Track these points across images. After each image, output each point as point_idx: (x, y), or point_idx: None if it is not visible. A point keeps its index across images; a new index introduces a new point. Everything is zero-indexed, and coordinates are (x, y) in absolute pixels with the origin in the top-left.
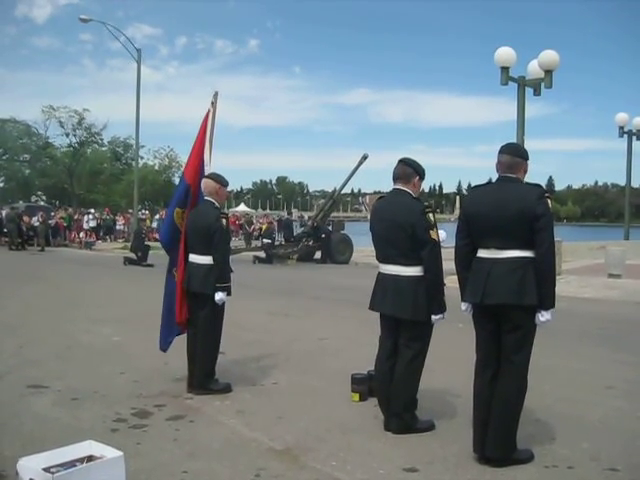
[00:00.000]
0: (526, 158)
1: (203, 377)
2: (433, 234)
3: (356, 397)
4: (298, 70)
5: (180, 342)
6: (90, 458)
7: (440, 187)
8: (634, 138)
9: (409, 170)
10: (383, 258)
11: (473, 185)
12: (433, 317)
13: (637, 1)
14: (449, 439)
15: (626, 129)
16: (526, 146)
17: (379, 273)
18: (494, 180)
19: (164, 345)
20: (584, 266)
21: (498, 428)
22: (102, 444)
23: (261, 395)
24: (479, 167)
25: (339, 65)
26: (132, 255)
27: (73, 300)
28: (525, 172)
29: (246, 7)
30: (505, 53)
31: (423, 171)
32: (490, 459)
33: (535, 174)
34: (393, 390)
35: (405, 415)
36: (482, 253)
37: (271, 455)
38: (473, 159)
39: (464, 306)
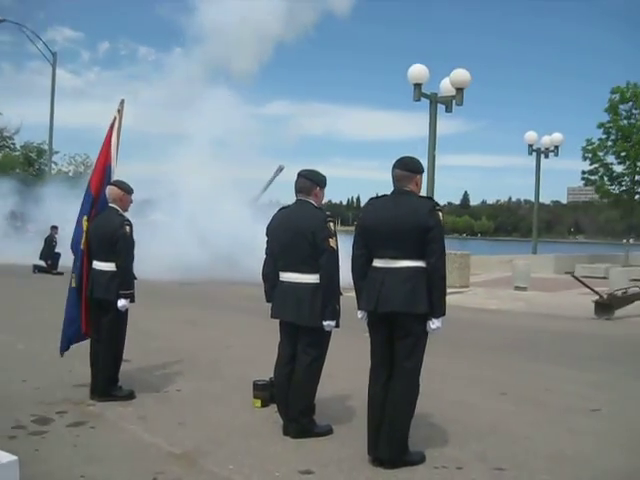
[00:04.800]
0: (417, 172)
1: (106, 384)
2: (332, 242)
3: (258, 403)
4: (220, 80)
5: (85, 349)
6: None
7: (358, 199)
8: (542, 156)
9: (308, 183)
10: (284, 266)
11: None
12: (325, 323)
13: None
14: (346, 442)
15: (535, 147)
16: (443, 162)
17: (280, 281)
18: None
19: (62, 349)
20: (492, 279)
21: (390, 431)
22: None
23: (164, 402)
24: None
25: (260, 77)
26: (42, 263)
27: None
28: (417, 185)
29: (171, 14)
30: (418, 70)
31: (322, 181)
32: (383, 461)
33: (451, 189)
34: (291, 395)
35: (303, 420)
36: (377, 263)
37: (170, 459)
38: (390, 172)
39: (360, 314)
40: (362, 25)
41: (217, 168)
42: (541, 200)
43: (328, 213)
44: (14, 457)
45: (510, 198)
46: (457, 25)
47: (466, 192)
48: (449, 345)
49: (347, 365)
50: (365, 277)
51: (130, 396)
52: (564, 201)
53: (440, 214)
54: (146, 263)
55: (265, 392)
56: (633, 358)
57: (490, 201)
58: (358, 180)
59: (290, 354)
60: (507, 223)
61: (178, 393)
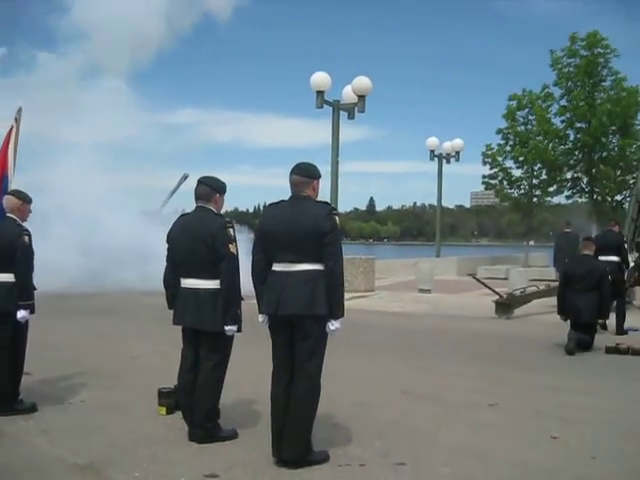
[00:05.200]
0: (314, 177)
1: (6, 398)
2: (232, 248)
3: (163, 410)
4: (123, 86)
5: None
6: None
7: (265, 206)
8: (444, 161)
9: (207, 189)
10: (185, 272)
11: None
12: (226, 328)
13: (450, 33)
14: (251, 446)
15: (436, 153)
16: (349, 168)
17: (181, 288)
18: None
19: None
20: (397, 282)
21: (293, 432)
22: None
23: (68, 413)
24: None
25: (165, 83)
26: None
27: None
28: (315, 190)
29: (67, 19)
30: (320, 78)
31: (222, 187)
32: (287, 462)
33: (357, 195)
34: (196, 401)
35: (208, 425)
36: (276, 267)
37: (74, 470)
38: None
39: (261, 318)
40: (267, 31)
41: (115, 176)
42: (445, 204)
43: (227, 219)
44: None
45: (415, 203)
46: (359, 31)
47: (372, 198)
48: (352, 348)
49: (252, 370)
50: (265, 281)
51: (32, 409)
52: (467, 205)
53: (337, 218)
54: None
55: (170, 399)
56: (530, 354)
57: (396, 206)
58: (265, 188)
59: (193, 360)
60: (413, 228)
61: (82, 404)
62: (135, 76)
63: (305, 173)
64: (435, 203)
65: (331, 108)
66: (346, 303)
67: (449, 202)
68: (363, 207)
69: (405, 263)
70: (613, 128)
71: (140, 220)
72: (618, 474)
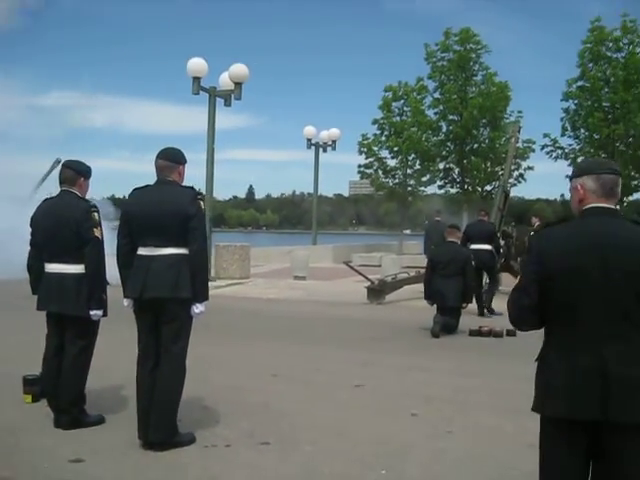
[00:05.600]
0: (180, 162)
1: None
2: (96, 232)
3: (28, 399)
4: None
5: None
6: None
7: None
8: (321, 150)
9: (71, 173)
10: (49, 257)
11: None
12: (91, 313)
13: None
14: (118, 430)
15: (314, 141)
16: (229, 155)
17: (45, 272)
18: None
19: None
20: (273, 270)
21: (159, 414)
22: None
23: None
24: (190, 175)
25: (39, 65)
26: None
27: None
28: (181, 175)
29: None
30: (197, 63)
31: (87, 171)
32: (153, 444)
33: (237, 183)
34: (60, 387)
35: (73, 410)
36: (141, 251)
37: None
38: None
39: (126, 302)
40: (144, 14)
41: None
42: (324, 193)
43: (92, 203)
44: None
45: (294, 191)
46: (237, 20)
47: (251, 186)
48: (226, 333)
49: (120, 355)
50: (130, 266)
51: None
52: (346, 194)
53: (201, 203)
54: None
55: (35, 387)
56: (398, 338)
57: (275, 195)
58: (143, 174)
59: (58, 345)
60: (292, 216)
61: None
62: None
63: (171, 158)
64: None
65: (207, 95)
66: (221, 290)
67: (328, 191)
68: (242, 195)
69: (282, 251)
70: (484, 121)
71: (8, 206)
72: (472, 447)
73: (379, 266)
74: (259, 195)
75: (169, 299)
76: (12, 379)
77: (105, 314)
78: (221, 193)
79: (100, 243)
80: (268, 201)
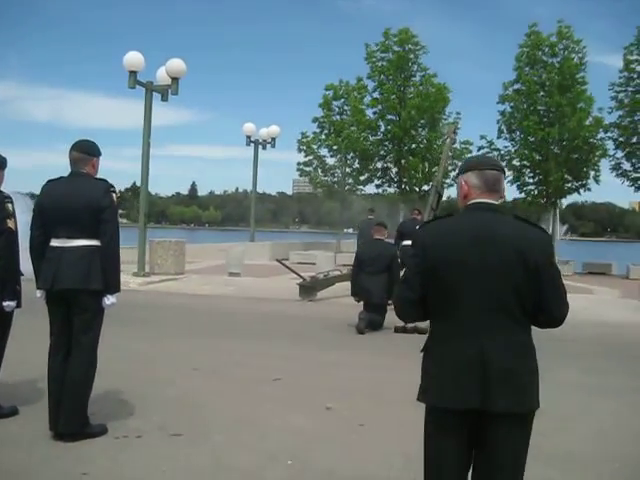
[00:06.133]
0: (94, 155)
1: None
2: (10, 223)
3: None
4: None
5: None
6: None
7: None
8: (260, 147)
9: None
10: None
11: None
12: (5, 304)
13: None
14: (29, 421)
15: (253, 139)
16: (172, 152)
17: None
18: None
19: None
20: (209, 266)
21: (69, 405)
22: None
23: None
24: (127, 169)
25: None
26: None
27: None
28: (94, 167)
29: None
30: (133, 57)
31: (1, 161)
32: (63, 435)
33: (180, 179)
34: None
35: None
36: (54, 242)
37: None
38: (121, 162)
39: (39, 293)
40: (85, 6)
41: None
42: (267, 191)
43: (6, 194)
44: None
45: (237, 189)
46: (176, 16)
47: (194, 182)
48: (153, 328)
49: (35, 347)
50: (43, 257)
51: None
52: (289, 192)
53: (114, 195)
54: None
55: None
56: (324, 334)
57: (218, 191)
58: None
59: None
60: (234, 213)
61: None
62: None
63: (84, 150)
64: (257, 189)
65: (144, 89)
66: (155, 285)
67: (271, 188)
68: (185, 192)
69: (220, 247)
70: (422, 122)
71: None
72: (381, 440)
73: (315, 264)
74: (202, 192)
75: (80, 290)
76: None
77: (19, 305)
78: (164, 189)
79: (14, 234)
80: (211, 198)
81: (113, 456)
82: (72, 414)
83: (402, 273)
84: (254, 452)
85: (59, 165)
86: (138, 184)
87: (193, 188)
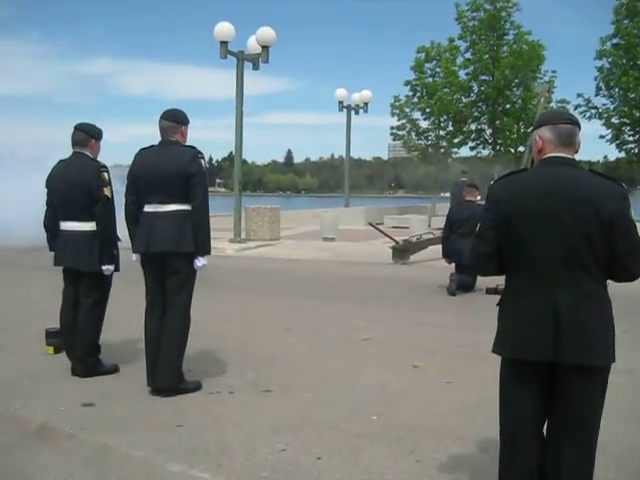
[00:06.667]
0: (182, 123)
1: None
2: (106, 191)
3: (50, 350)
4: (38, 35)
5: None
6: None
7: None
8: (353, 113)
9: (83, 135)
10: (63, 215)
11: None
12: (103, 268)
13: None
14: (129, 378)
15: (345, 104)
16: (268, 120)
17: (60, 230)
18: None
19: None
20: (304, 232)
21: (165, 362)
22: None
23: None
24: (224, 139)
25: (81, 31)
26: None
27: None
28: (183, 135)
29: None
30: (224, 28)
31: (97, 133)
32: (160, 390)
33: (275, 148)
34: (76, 337)
35: (89, 360)
36: (147, 208)
37: None
38: (218, 132)
39: (134, 257)
40: None
41: (25, 130)
42: (362, 156)
43: (102, 164)
44: None
45: (333, 155)
46: None
47: (290, 150)
48: (247, 291)
49: (133, 309)
50: (137, 222)
51: None
52: (385, 157)
53: (202, 162)
54: None
55: (57, 339)
56: (414, 295)
57: (314, 158)
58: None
59: (73, 299)
60: (330, 179)
61: None
62: (47, 25)
63: (173, 118)
64: (353, 155)
65: (235, 59)
66: (250, 251)
67: (367, 154)
68: (281, 159)
69: (315, 213)
70: (516, 81)
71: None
72: (467, 397)
73: (409, 228)
74: (298, 159)
75: (172, 253)
76: (38, 333)
77: (117, 269)
78: (260, 158)
79: (110, 202)
80: (307, 165)
81: (207, 410)
82: (168, 370)
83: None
84: (341, 408)
85: (156, 137)
86: (234, 153)
87: (289, 155)
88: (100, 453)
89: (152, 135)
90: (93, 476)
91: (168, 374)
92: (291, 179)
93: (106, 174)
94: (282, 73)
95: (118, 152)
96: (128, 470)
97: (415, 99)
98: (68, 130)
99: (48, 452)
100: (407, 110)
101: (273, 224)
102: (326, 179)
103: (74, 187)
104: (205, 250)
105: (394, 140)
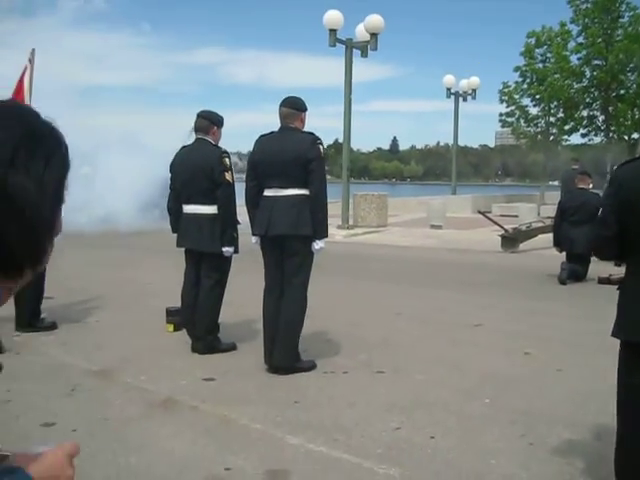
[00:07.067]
0: (302, 110)
1: (29, 316)
2: (227, 176)
3: (171, 328)
4: (148, 28)
5: None
6: None
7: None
8: (461, 99)
9: (205, 122)
10: (186, 199)
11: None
12: (224, 249)
13: None
14: (247, 355)
15: (453, 90)
16: (373, 107)
17: (183, 213)
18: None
19: None
20: (411, 219)
21: (283, 340)
22: None
23: (84, 330)
24: (329, 127)
25: (189, 22)
26: None
27: None
28: (302, 122)
29: None
30: (333, 16)
31: (220, 120)
32: (277, 368)
33: (381, 135)
34: (197, 316)
35: (209, 337)
36: (267, 192)
37: (88, 375)
38: (323, 119)
39: (254, 239)
40: None
41: (138, 117)
42: (469, 144)
43: (223, 150)
44: None
45: (438, 142)
46: None
47: (395, 137)
48: (356, 276)
49: (253, 294)
50: (257, 206)
51: (52, 327)
52: (492, 145)
53: (321, 147)
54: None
55: (177, 317)
56: (524, 283)
57: (419, 146)
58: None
59: (194, 279)
60: (436, 167)
61: (97, 323)
62: (155, 16)
63: (293, 106)
64: (459, 143)
65: (344, 46)
66: (358, 237)
67: (473, 141)
68: (386, 147)
69: (421, 201)
70: (631, 65)
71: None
72: (579, 384)
73: (517, 217)
74: (403, 146)
75: (291, 236)
76: (159, 311)
77: (236, 251)
78: (365, 145)
79: (231, 186)
80: (412, 152)
81: (322, 388)
82: (285, 349)
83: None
84: (452, 390)
85: (265, 124)
86: (340, 140)
87: (394, 143)
88: (222, 424)
89: (260, 123)
90: (216, 445)
91: (285, 353)
92: (396, 166)
93: (227, 159)
94: (388, 60)
95: (225, 139)
96: (249, 441)
97: (525, 85)
98: (175, 118)
99: (173, 422)
100: (516, 97)
101: (380, 211)
102: (431, 167)
103: (197, 172)
104: (322, 233)
105: (502, 127)
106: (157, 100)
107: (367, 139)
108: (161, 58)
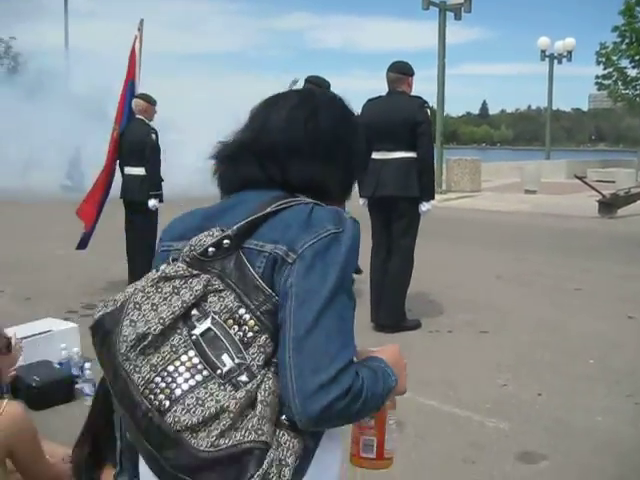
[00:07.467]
0: (409, 74)
1: (141, 273)
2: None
3: None
4: None
5: (121, 250)
6: (49, 331)
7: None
8: (556, 62)
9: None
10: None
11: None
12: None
13: None
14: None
15: (548, 53)
16: (462, 71)
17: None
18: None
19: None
20: (504, 184)
21: (389, 300)
22: (59, 320)
23: None
24: (419, 91)
25: None
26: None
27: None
28: (409, 86)
29: None
30: None
31: (327, 86)
32: (384, 326)
33: (470, 99)
34: None
35: None
36: (375, 155)
37: None
38: (415, 83)
39: (361, 201)
40: None
41: (227, 84)
42: (562, 108)
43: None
44: (75, 325)
45: (529, 106)
46: None
47: (485, 101)
48: (453, 240)
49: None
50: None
51: None
52: (585, 108)
53: (428, 111)
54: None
55: None
56: (623, 249)
57: (509, 110)
58: (378, 91)
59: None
60: (526, 132)
61: None
62: None
63: (400, 70)
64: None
65: (437, 9)
66: (451, 202)
67: (565, 105)
68: (475, 111)
69: (513, 166)
70: None
71: None
72: None
73: (615, 182)
74: (493, 111)
75: (399, 197)
76: None
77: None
78: (454, 109)
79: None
80: (502, 116)
81: (428, 347)
82: (391, 308)
83: None
84: (556, 351)
85: (353, 89)
86: (430, 105)
87: (484, 107)
88: None
89: (349, 88)
90: None
91: (391, 312)
92: (485, 131)
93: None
94: (479, 22)
95: None
96: None
97: (623, 46)
98: (265, 83)
99: None
100: (614, 58)
101: (474, 176)
102: (522, 131)
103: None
104: (430, 195)
105: (599, 90)
106: (246, 66)
107: (456, 103)
108: (252, 23)
